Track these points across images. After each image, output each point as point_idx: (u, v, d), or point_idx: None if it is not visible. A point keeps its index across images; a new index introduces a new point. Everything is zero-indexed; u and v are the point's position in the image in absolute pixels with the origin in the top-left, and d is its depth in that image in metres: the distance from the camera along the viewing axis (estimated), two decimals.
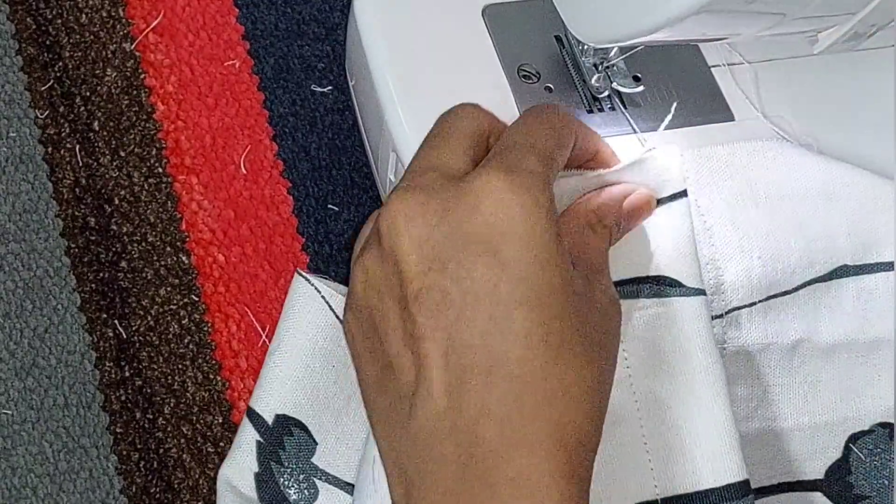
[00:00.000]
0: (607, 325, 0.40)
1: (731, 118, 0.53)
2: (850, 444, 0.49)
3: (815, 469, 0.49)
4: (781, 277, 0.48)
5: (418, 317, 0.37)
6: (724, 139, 0.51)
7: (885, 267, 0.50)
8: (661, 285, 0.46)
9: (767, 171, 0.50)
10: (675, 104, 0.51)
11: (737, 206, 0.49)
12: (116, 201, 0.60)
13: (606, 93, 0.52)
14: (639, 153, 0.48)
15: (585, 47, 0.52)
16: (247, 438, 0.51)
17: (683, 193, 0.47)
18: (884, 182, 0.50)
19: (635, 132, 0.50)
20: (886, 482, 0.49)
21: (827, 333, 0.49)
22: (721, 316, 0.47)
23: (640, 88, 0.52)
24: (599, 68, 0.52)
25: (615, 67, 0.52)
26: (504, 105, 0.51)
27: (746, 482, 0.44)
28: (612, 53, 0.51)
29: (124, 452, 0.56)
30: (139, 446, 0.56)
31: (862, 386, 0.49)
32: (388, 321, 0.39)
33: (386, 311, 0.39)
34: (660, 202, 0.47)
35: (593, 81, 0.52)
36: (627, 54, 0.52)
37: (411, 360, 0.38)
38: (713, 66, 0.54)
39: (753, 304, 0.48)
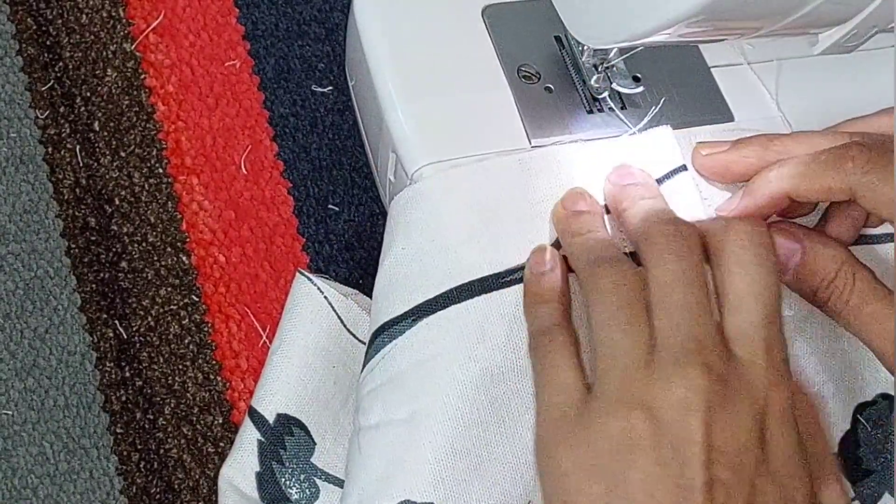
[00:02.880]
0: None
1: (731, 119, 0.53)
2: (858, 415, 0.49)
3: (830, 442, 0.49)
4: None
5: None
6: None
7: (886, 238, 0.50)
8: None
9: None
10: (664, 99, 0.51)
11: (736, 190, 0.49)
12: (117, 202, 0.60)
13: (606, 93, 0.52)
14: (627, 136, 0.49)
15: (585, 48, 0.52)
16: (248, 438, 0.51)
17: (683, 168, 0.48)
18: None
19: (635, 133, 0.51)
20: (889, 457, 0.49)
21: None
22: None
23: (640, 89, 0.52)
24: (599, 69, 0.52)
25: (615, 68, 0.52)
26: (504, 105, 0.51)
27: None
28: (612, 54, 0.51)
29: (124, 453, 0.56)
30: (139, 447, 0.56)
31: (866, 356, 0.49)
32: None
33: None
34: (660, 181, 0.48)
35: (593, 82, 0.52)
36: (627, 55, 0.52)
37: None
38: (713, 67, 0.54)
39: None
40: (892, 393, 0.49)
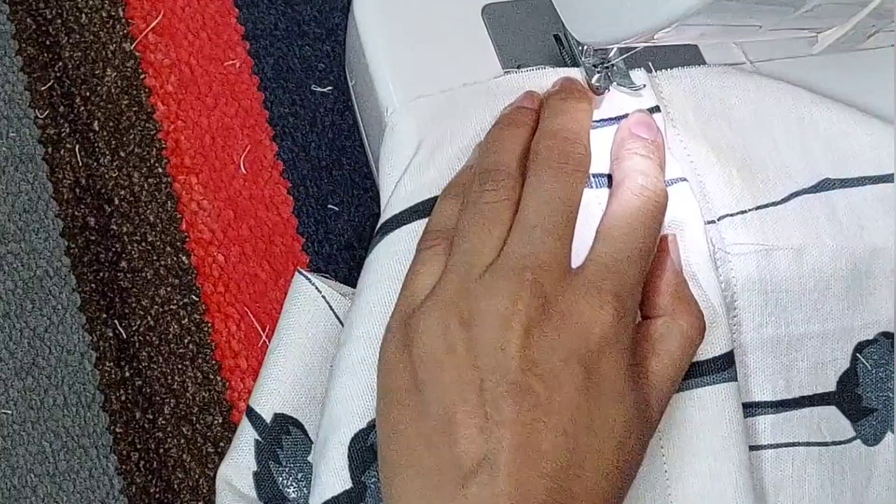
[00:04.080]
0: None
1: None
2: (857, 354, 0.49)
3: (829, 380, 0.49)
4: (763, 187, 0.49)
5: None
6: None
7: (871, 180, 0.50)
8: None
9: (739, 92, 0.51)
10: (650, 62, 0.51)
11: (710, 122, 0.50)
12: (116, 201, 0.60)
13: (606, 93, 0.52)
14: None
15: (585, 47, 0.52)
16: (245, 438, 0.51)
17: (656, 109, 0.49)
18: (848, 106, 0.51)
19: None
20: (891, 395, 0.49)
21: (829, 239, 0.49)
22: (714, 221, 0.48)
23: (640, 89, 0.52)
24: (599, 68, 0.52)
25: (615, 67, 0.52)
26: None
27: None
28: (612, 53, 0.51)
29: (124, 452, 0.56)
30: (139, 446, 0.56)
31: (865, 295, 0.49)
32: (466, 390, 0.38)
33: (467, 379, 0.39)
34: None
35: (593, 81, 0.52)
36: (627, 54, 0.51)
37: (481, 439, 0.37)
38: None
39: (744, 211, 0.48)
40: (893, 331, 0.49)
